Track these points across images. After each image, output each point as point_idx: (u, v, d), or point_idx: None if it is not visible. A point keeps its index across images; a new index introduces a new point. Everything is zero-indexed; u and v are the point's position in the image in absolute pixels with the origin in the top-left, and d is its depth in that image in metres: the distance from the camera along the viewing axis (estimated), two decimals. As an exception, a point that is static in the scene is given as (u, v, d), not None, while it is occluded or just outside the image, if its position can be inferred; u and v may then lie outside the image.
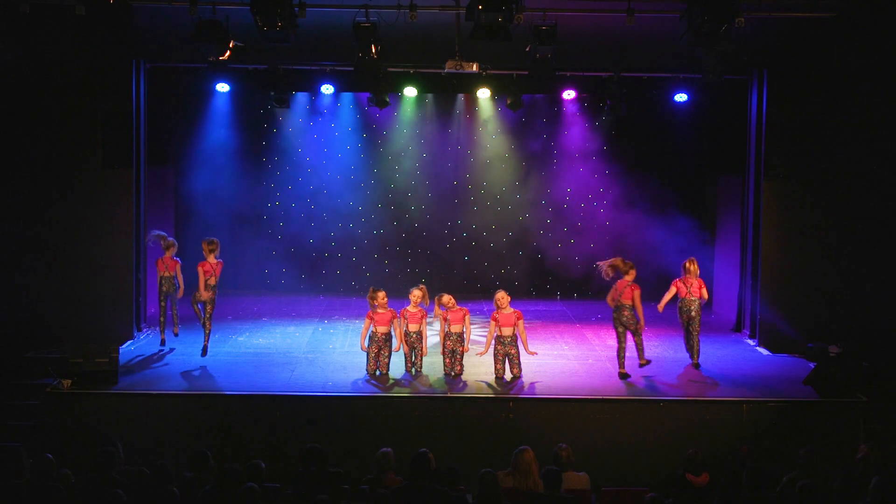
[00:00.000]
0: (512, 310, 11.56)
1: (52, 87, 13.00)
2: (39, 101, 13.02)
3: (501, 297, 11.60)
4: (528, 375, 11.73)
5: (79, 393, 10.97)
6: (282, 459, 9.98)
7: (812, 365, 11.88)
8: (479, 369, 12.06)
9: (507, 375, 11.66)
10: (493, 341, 11.64)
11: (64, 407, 10.86)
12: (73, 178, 13.15)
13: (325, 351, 13.03)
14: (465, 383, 11.52)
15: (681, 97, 15.09)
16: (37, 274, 13.12)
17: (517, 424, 10.74)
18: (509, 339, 11.57)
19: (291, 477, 8.18)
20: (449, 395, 11.13)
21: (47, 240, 13.15)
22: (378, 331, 11.63)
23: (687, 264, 12.37)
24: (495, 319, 11.57)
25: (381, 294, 11.60)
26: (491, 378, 11.70)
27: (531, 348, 11.76)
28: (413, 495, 7.28)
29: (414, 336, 11.78)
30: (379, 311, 11.59)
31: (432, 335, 13.00)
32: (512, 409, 10.90)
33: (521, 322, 11.59)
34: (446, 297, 11.71)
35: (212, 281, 12.53)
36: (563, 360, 12.76)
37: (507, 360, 11.64)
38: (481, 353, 11.86)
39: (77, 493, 7.32)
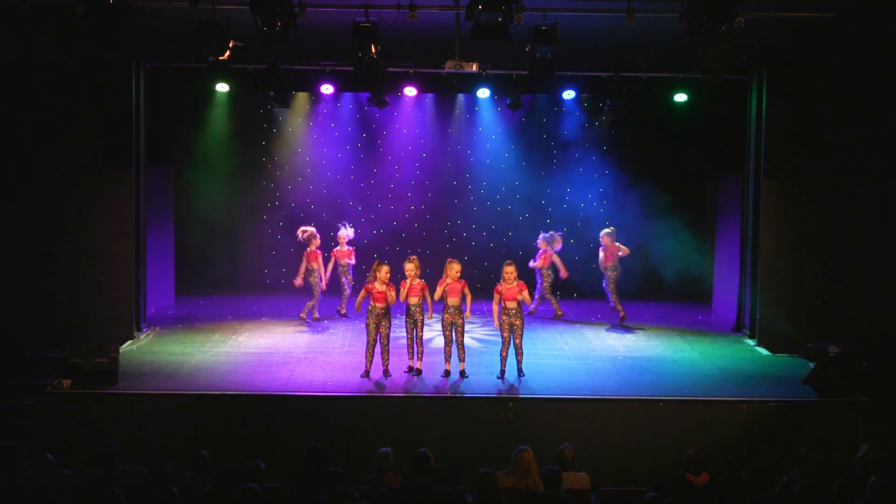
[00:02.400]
0: (515, 283, 11.56)
1: (52, 87, 13.00)
2: (39, 100, 13.03)
3: (510, 271, 11.55)
4: (528, 375, 11.74)
5: (79, 393, 10.97)
6: (282, 459, 9.99)
7: (812, 365, 11.89)
8: (479, 369, 12.07)
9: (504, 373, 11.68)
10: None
11: (64, 407, 10.86)
12: (74, 178, 13.16)
13: (325, 351, 13.03)
14: (461, 381, 11.55)
15: (681, 97, 15.08)
16: (37, 274, 13.12)
17: (517, 424, 10.74)
18: (514, 311, 11.55)
19: (291, 477, 8.19)
20: (449, 395, 11.14)
21: (47, 240, 13.15)
22: (376, 306, 11.64)
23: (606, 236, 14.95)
24: (498, 292, 11.57)
25: (385, 269, 11.67)
26: (491, 378, 11.71)
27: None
28: (413, 495, 7.29)
29: (414, 309, 11.78)
30: (377, 286, 11.61)
31: (434, 335, 13.05)
32: (512, 409, 10.90)
33: (524, 292, 11.63)
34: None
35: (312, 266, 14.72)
36: (563, 360, 12.76)
37: (511, 336, 11.57)
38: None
39: (76, 493, 7.32)
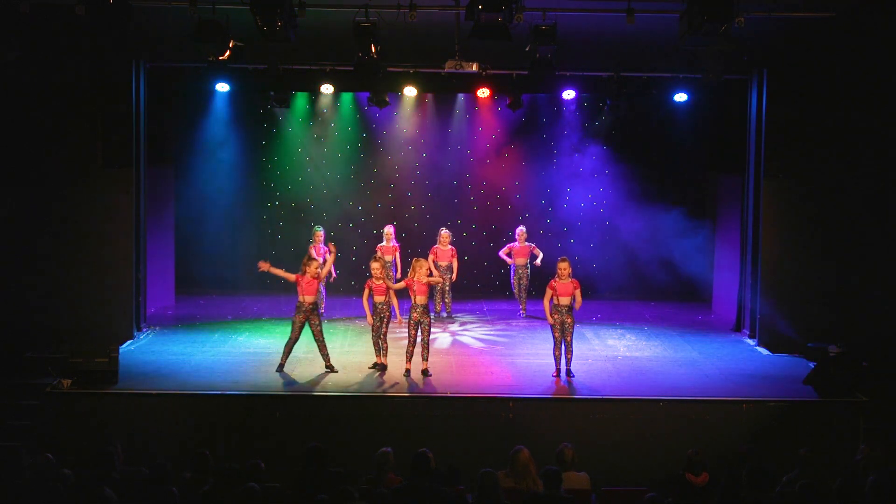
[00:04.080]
0: (570, 280, 11.61)
1: (53, 87, 13.00)
2: (40, 101, 13.03)
3: (564, 267, 11.62)
4: (528, 375, 11.74)
5: (79, 393, 10.97)
6: (282, 459, 9.99)
7: (812, 365, 11.89)
8: (480, 369, 12.08)
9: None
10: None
11: (64, 407, 10.86)
12: (74, 178, 13.16)
13: (325, 351, 13.02)
14: (460, 381, 11.53)
15: (681, 97, 15.09)
16: (37, 274, 13.12)
17: (517, 424, 10.74)
18: (566, 309, 11.58)
19: (291, 477, 8.19)
20: (449, 394, 11.14)
21: (47, 240, 13.15)
22: (305, 300, 11.81)
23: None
24: (552, 288, 11.65)
25: (315, 263, 11.92)
26: (491, 378, 11.70)
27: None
28: (413, 495, 7.28)
29: (381, 307, 11.88)
30: (307, 277, 11.78)
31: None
32: (512, 409, 10.90)
33: (578, 290, 11.66)
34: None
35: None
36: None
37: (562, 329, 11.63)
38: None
39: (76, 493, 7.31)
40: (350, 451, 10.07)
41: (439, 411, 10.89)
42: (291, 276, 11.84)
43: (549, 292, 11.62)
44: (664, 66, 13.95)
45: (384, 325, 11.94)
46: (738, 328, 14.70)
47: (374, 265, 11.90)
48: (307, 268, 11.81)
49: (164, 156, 15.69)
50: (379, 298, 11.90)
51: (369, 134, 17.35)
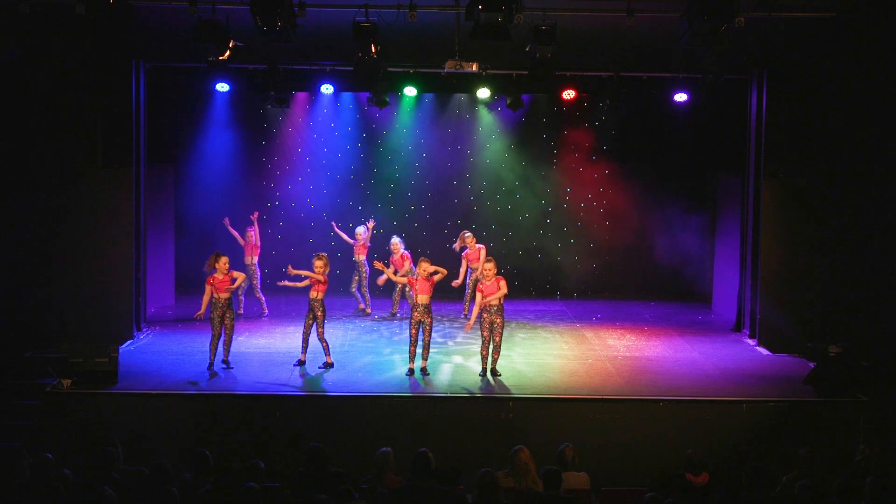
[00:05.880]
0: (494, 279, 11.52)
1: (52, 86, 13.00)
2: (40, 100, 13.03)
3: (489, 268, 11.52)
4: (528, 375, 11.74)
5: (79, 393, 10.98)
6: (282, 459, 9.99)
7: (812, 365, 11.89)
8: (479, 368, 12.06)
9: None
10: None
11: (64, 407, 10.86)
12: (73, 178, 13.16)
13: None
14: (460, 381, 11.54)
15: (681, 97, 15.07)
16: (37, 274, 13.13)
17: (517, 424, 10.74)
18: (495, 309, 11.53)
19: (291, 477, 8.19)
20: (449, 395, 11.14)
21: (47, 240, 13.15)
22: (221, 297, 11.91)
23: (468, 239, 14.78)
24: (480, 290, 11.56)
25: (224, 259, 12.02)
26: (490, 377, 11.70)
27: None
28: (413, 495, 7.28)
29: (314, 304, 12.08)
30: (218, 276, 11.89)
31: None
32: (512, 409, 10.90)
33: (500, 292, 11.48)
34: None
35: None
36: (563, 360, 12.76)
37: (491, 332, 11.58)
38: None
39: (76, 493, 7.31)
40: (350, 451, 10.07)
41: (439, 411, 10.89)
42: (208, 292, 11.94)
43: (478, 297, 11.51)
44: (664, 66, 13.95)
45: (319, 325, 12.09)
46: (738, 328, 14.69)
47: (317, 263, 12.06)
48: (217, 265, 11.94)
49: (164, 156, 15.71)
50: (313, 294, 12.08)
51: (369, 134, 17.35)
